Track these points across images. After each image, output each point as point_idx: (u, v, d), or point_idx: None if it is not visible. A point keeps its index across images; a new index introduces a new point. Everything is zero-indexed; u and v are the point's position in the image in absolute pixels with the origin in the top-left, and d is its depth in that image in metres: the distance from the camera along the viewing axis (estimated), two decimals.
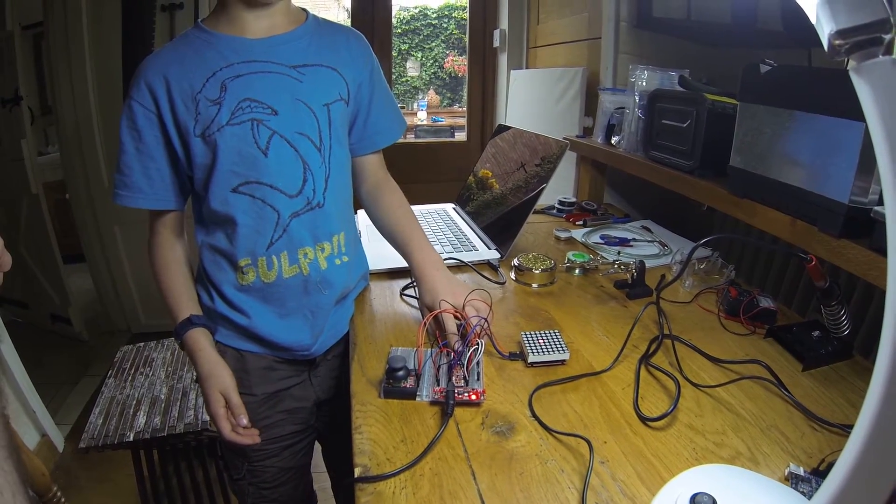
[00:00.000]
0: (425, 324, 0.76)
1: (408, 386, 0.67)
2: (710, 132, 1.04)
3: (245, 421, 0.83)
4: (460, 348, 0.69)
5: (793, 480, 0.53)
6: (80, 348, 2.70)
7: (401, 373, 0.67)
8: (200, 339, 0.85)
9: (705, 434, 0.61)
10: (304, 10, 0.88)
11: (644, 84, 1.30)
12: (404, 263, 0.94)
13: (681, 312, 0.89)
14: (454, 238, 1.24)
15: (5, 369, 1.77)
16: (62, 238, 2.74)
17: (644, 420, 0.63)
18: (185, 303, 0.87)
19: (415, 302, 0.92)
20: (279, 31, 0.82)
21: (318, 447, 1.11)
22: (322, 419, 1.03)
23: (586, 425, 0.62)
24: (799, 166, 0.82)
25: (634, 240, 1.27)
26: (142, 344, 1.64)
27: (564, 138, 1.30)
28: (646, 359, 0.75)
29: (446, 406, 0.62)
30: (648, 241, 1.26)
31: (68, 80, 2.39)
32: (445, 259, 1.08)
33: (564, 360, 0.74)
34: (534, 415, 0.63)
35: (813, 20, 0.34)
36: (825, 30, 0.32)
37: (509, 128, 1.45)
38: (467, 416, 0.63)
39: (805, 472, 0.54)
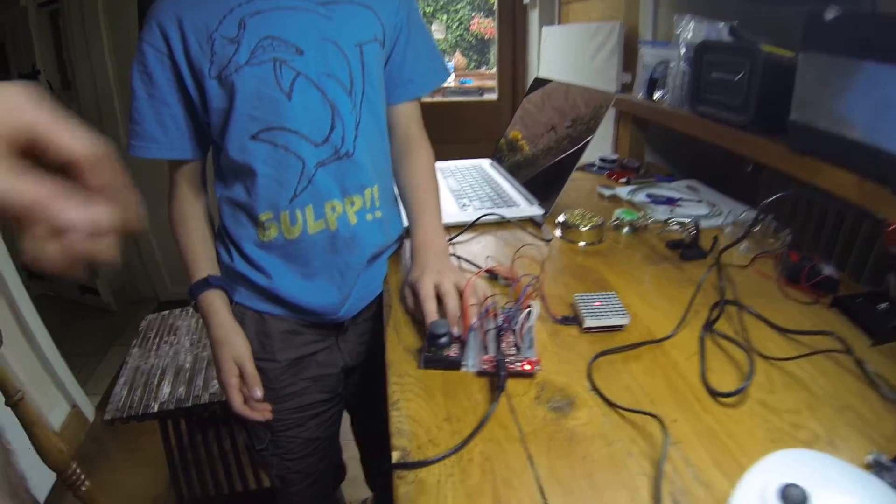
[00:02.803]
0: (469, 283, 0.66)
1: (452, 355, 0.58)
2: (765, 85, 0.95)
3: (259, 394, 0.78)
4: (512, 310, 0.60)
5: (876, 469, 0.45)
6: (109, 318, 2.71)
7: (444, 339, 0.58)
8: (216, 300, 0.79)
9: (780, 413, 0.52)
10: None
11: (690, 35, 1.20)
12: (448, 219, 0.88)
13: (738, 276, 0.79)
14: (493, 193, 1.15)
15: (34, 343, 1.76)
16: None
17: (714, 395, 0.54)
18: (203, 262, 0.81)
19: (455, 261, 0.84)
20: None
21: (346, 417, 1.05)
22: (350, 388, 0.97)
23: (652, 400, 0.54)
24: (870, 121, 0.72)
25: (682, 199, 1.16)
26: (166, 312, 1.61)
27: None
28: (708, 326, 0.66)
29: (497, 378, 0.53)
30: (696, 202, 1.16)
31: (86, 56, 2.39)
32: (485, 215, 1.00)
33: (623, 326, 0.65)
34: (594, 388, 0.55)
35: None
36: None
37: (547, 81, 1.34)
38: (520, 390, 0.55)
39: (887, 459, 0.46)
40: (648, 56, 1.45)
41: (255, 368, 0.78)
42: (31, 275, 2.97)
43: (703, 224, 0.98)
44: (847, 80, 0.76)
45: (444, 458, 0.47)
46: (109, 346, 2.44)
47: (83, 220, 0.27)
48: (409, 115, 0.90)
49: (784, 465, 0.45)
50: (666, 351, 0.62)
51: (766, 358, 0.60)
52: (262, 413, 0.79)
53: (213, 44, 0.70)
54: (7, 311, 1.70)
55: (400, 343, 0.64)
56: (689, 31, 1.20)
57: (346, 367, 0.92)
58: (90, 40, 2.34)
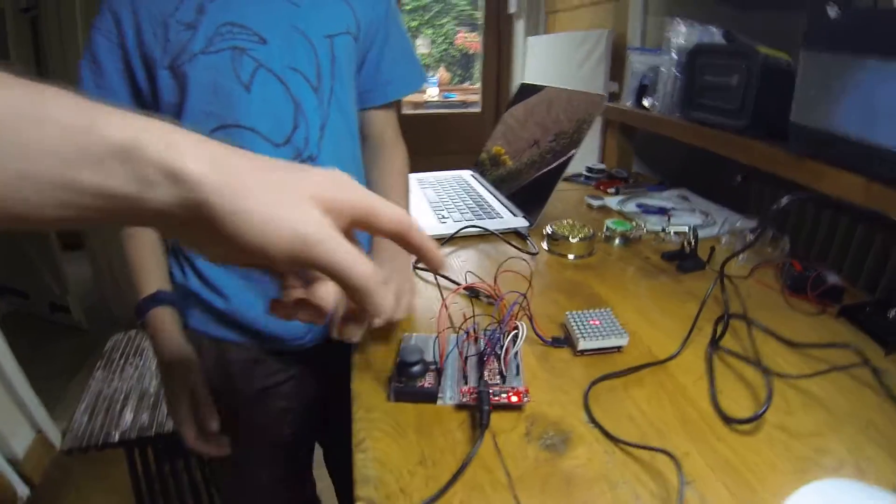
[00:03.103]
0: (445, 305, 0.59)
1: (426, 385, 0.51)
2: (762, 88, 0.92)
3: (215, 426, 0.69)
4: (496, 334, 0.53)
5: None
6: (80, 338, 2.60)
7: (417, 368, 0.51)
8: (165, 319, 0.70)
9: (801, 438, 0.46)
10: None
11: (682, 40, 1.16)
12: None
13: (739, 289, 0.74)
14: (475, 205, 1.08)
15: None
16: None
17: (729, 422, 0.48)
18: (153, 276, 0.72)
19: (432, 277, 0.77)
20: None
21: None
22: (318, 420, 0.89)
23: (659, 431, 0.47)
24: (877, 121, 0.69)
25: (674, 209, 1.11)
26: (133, 332, 1.52)
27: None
28: (715, 343, 0.60)
29: (479, 413, 0.46)
30: (689, 211, 1.11)
31: (62, 63, 2.32)
32: (467, 227, 0.93)
33: (622, 347, 0.59)
34: (592, 420, 0.48)
35: None
36: None
37: (534, 86, 1.30)
38: (506, 425, 0.47)
39: None
40: (637, 63, 1.41)
41: (209, 397, 0.70)
42: (1, 291, 2.85)
43: (699, 234, 0.93)
44: (852, 79, 0.72)
45: None
46: (80, 368, 2.32)
47: (389, 310, 0.34)
48: (384, 120, 0.84)
49: (819, 501, 0.39)
50: (671, 373, 0.56)
51: (779, 376, 0.54)
52: (219, 448, 0.70)
53: (167, 30, 0.64)
54: None
55: (369, 371, 0.56)
56: (681, 35, 1.17)
57: (314, 399, 0.84)
58: (67, 48, 2.28)
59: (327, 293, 0.35)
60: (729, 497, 0.40)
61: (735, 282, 0.74)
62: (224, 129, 0.66)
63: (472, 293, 0.70)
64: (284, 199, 0.28)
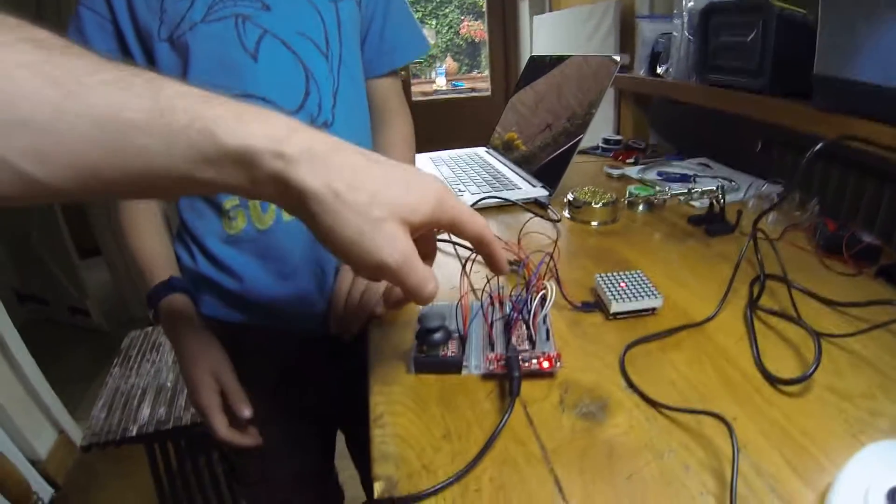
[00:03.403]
0: (471, 261, 0.53)
1: (449, 354, 0.47)
2: (780, 43, 0.87)
3: (248, 412, 0.64)
4: (522, 297, 0.49)
5: None
6: (100, 340, 2.61)
7: (438, 335, 0.46)
8: (182, 306, 0.66)
9: (853, 399, 0.42)
10: None
11: (692, 2, 1.11)
12: None
13: (771, 251, 0.69)
14: (492, 178, 1.04)
15: (17, 369, 1.66)
16: (79, 233, 2.66)
17: (776, 383, 0.44)
18: (162, 263, 0.68)
19: (450, 247, 0.72)
20: None
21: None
22: (340, 405, 0.85)
23: (702, 395, 0.43)
24: None
25: (696, 176, 1.06)
26: (150, 328, 1.51)
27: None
28: (753, 304, 0.56)
29: (509, 380, 0.42)
30: (711, 178, 1.06)
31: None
32: (485, 199, 0.90)
33: (656, 309, 0.54)
34: (631, 385, 0.44)
35: None
36: None
37: (544, 58, 1.25)
38: (538, 394, 0.43)
39: None
40: (648, 31, 1.37)
41: (237, 381, 0.65)
42: (22, 298, 2.88)
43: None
44: (877, 21, 0.67)
45: (442, 488, 0.35)
46: (101, 369, 2.33)
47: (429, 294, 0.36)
48: (388, 88, 0.80)
49: (885, 462, 0.34)
50: (709, 335, 0.51)
51: (823, 336, 0.50)
52: (254, 437, 0.66)
53: (163, 0, 0.60)
54: None
55: (387, 344, 0.53)
56: None
57: (336, 383, 0.80)
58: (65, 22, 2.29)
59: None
60: (783, 462, 0.36)
61: (766, 244, 0.70)
62: None
63: None
64: (376, 224, 0.32)
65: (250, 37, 0.61)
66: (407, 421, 0.42)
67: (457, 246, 0.71)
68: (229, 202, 0.65)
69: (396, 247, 0.33)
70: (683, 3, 1.14)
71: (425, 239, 0.41)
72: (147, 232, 0.69)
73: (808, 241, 0.73)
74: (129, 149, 0.28)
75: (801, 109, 0.81)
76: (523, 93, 1.28)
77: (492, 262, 0.41)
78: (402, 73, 0.86)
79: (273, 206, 0.65)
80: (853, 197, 0.86)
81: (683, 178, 1.05)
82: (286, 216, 0.66)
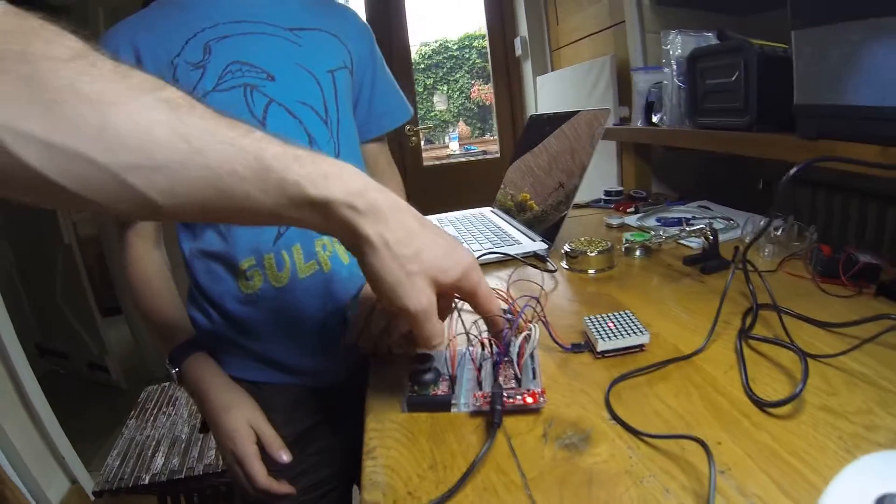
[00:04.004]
0: (456, 307, 0.54)
1: (440, 393, 0.49)
2: (762, 80, 0.91)
3: (287, 457, 0.65)
4: (507, 339, 0.52)
5: None
6: (118, 397, 2.64)
7: (429, 375, 0.50)
8: (207, 361, 0.68)
9: (849, 416, 0.43)
10: None
11: (679, 50, 1.18)
12: None
13: (767, 281, 0.71)
14: (494, 236, 1.09)
15: (36, 418, 1.70)
16: (102, 291, 2.77)
17: (764, 406, 0.45)
18: (181, 325, 0.70)
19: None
20: None
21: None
22: (357, 460, 0.85)
23: (688, 424, 0.44)
24: (880, 82, 0.67)
25: (694, 218, 1.09)
26: (167, 384, 1.54)
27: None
28: (745, 333, 0.57)
29: (492, 415, 0.44)
30: (710, 219, 1.08)
31: None
32: (486, 255, 0.93)
33: (643, 345, 0.56)
34: (614, 416, 0.46)
35: None
36: None
37: (542, 116, 1.31)
38: (523, 427, 0.45)
39: None
40: (642, 82, 1.43)
41: (273, 430, 0.66)
42: (42, 351, 2.95)
43: (721, 237, 0.91)
44: (848, 46, 0.70)
45: None
46: (117, 425, 2.35)
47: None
48: (378, 152, 0.86)
49: (876, 471, 0.35)
50: (698, 367, 0.53)
51: (816, 358, 0.51)
52: (288, 486, 0.67)
53: (175, 70, 0.65)
54: (10, 386, 1.66)
55: (383, 386, 0.56)
56: (678, 46, 1.18)
57: (352, 434, 0.81)
58: None
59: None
60: (770, 482, 0.37)
61: (763, 274, 0.71)
62: None
63: None
64: (410, 276, 0.41)
65: (258, 105, 0.67)
66: (397, 453, 0.44)
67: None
68: (246, 262, 0.68)
69: (421, 299, 0.41)
70: (671, 52, 1.20)
71: (446, 299, 0.47)
72: (161, 294, 0.72)
73: (806, 268, 0.75)
74: (237, 194, 0.36)
75: (787, 140, 0.84)
76: (537, 155, 1.32)
77: (494, 332, 0.50)
78: (413, 139, 0.92)
79: (288, 264, 0.69)
80: (850, 220, 0.87)
81: (680, 222, 1.06)
82: (301, 273, 0.69)
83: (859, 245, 0.83)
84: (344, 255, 0.72)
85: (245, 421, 0.65)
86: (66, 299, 2.79)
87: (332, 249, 0.71)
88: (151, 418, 1.34)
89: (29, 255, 2.89)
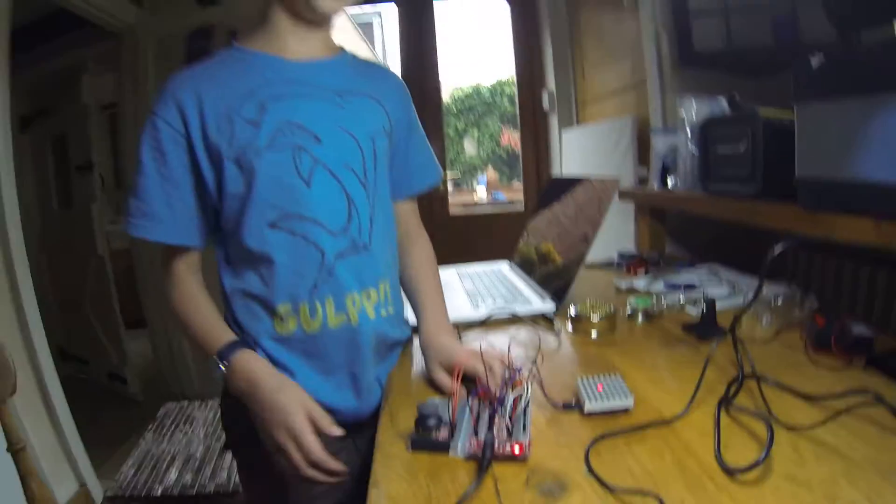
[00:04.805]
0: (458, 374, 0.64)
1: (440, 438, 0.57)
2: (769, 150, 0.94)
3: (338, 430, 0.69)
4: (502, 394, 0.59)
5: None
6: (133, 408, 2.70)
7: (432, 421, 0.57)
8: (256, 356, 0.72)
9: (811, 486, 0.47)
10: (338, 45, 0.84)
11: (693, 116, 1.23)
12: (460, 317, 0.92)
13: (761, 351, 0.76)
14: (507, 293, 1.15)
15: (54, 417, 1.77)
16: (128, 304, 2.85)
17: (729, 472, 0.49)
18: (224, 329, 0.75)
19: None
20: (320, 57, 0.78)
21: None
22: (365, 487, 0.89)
23: (656, 482, 0.49)
24: (876, 157, 0.70)
25: (701, 283, 1.14)
26: (185, 402, 1.61)
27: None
28: (725, 402, 0.61)
29: (482, 460, 0.51)
30: (717, 284, 1.13)
31: (135, 157, 2.54)
32: (497, 312, 1.00)
33: (628, 408, 0.62)
34: (590, 470, 0.51)
35: None
36: None
37: (562, 179, 1.37)
38: (509, 474, 0.52)
39: None
40: (660, 144, 1.48)
41: (322, 410, 0.70)
42: (65, 355, 3.05)
43: (724, 304, 0.95)
44: (846, 122, 0.74)
45: None
46: (130, 435, 2.40)
47: None
48: (409, 211, 0.92)
49: None
50: (676, 431, 0.58)
51: (791, 429, 0.55)
52: (340, 463, 0.69)
53: (232, 125, 0.70)
54: (34, 386, 1.73)
55: (393, 427, 0.63)
56: (692, 111, 1.22)
57: (362, 467, 0.85)
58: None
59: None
60: None
61: (757, 345, 0.75)
62: (288, 219, 0.72)
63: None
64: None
65: (305, 166, 0.72)
66: (398, 486, 0.51)
67: None
68: (283, 307, 0.73)
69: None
70: (685, 117, 1.24)
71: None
72: (206, 305, 0.77)
73: (801, 338, 0.78)
74: None
75: (790, 211, 0.87)
76: (565, 205, 1.33)
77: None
78: (440, 187, 0.99)
79: (320, 314, 0.74)
80: (854, 285, 0.89)
81: (688, 287, 1.11)
82: (331, 323, 0.74)
83: (858, 309, 0.85)
84: (371, 312, 0.77)
85: (297, 399, 0.69)
86: (93, 308, 2.90)
87: (360, 305, 0.76)
88: (169, 434, 1.41)
89: (62, 263, 3.04)
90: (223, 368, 0.71)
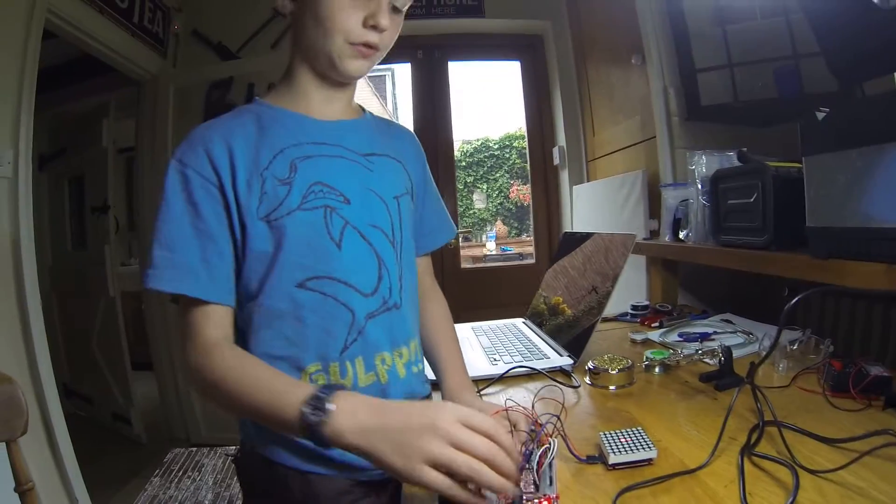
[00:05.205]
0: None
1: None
2: (779, 201, 0.97)
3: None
4: (528, 449, 0.59)
5: None
6: (137, 451, 2.66)
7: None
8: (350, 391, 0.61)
9: None
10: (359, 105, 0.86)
11: (704, 170, 1.26)
12: (478, 373, 0.94)
13: (779, 398, 0.76)
14: (524, 348, 1.16)
15: (57, 455, 1.73)
16: (135, 345, 2.84)
17: None
18: (294, 381, 0.66)
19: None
20: (344, 118, 0.79)
21: None
22: None
23: None
24: (884, 204, 0.72)
25: (715, 332, 1.15)
26: (194, 448, 1.59)
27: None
28: (748, 449, 0.62)
29: None
30: (731, 333, 1.14)
31: (152, 199, 2.58)
32: (515, 368, 1.00)
33: (652, 459, 0.62)
34: None
35: None
36: None
37: (575, 234, 1.39)
38: None
39: None
40: (671, 198, 1.50)
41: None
42: (69, 393, 3.03)
43: (740, 352, 0.97)
44: (853, 172, 0.76)
45: None
46: (132, 478, 2.35)
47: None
48: (425, 267, 0.92)
49: None
50: (701, 481, 0.59)
51: (814, 473, 0.56)
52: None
53: (263, 182, 0.69)
54: (39, 422, 1.71)
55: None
56: (703, 166, 1.25)
57: None
58: (158, 184, 2.61)
59: None
60: None
61: (774, 391, 0.75)
62: (318, 280, 0.70)
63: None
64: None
65: (336, 227, 0.71)
66: None
67: None
68: (313, 367, 0.71)
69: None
70: (696, 171, 1.27)
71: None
72: (259, 361, 0.67)
73: (819, 382, 0.78)
74: None
75: (801, 260, 0.88)
76: (573, 257, 1.35)
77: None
78: (452, 241, 0.99)
79: (350, 373, 0.71)
80: (861, 328, 0.90)
81: (703, 337, 1.12)
82: (361, 382, 0.73)
83: (873, 348, 0.84)
84: (402, 370, 0.77)
85: (452, 415, 0.56)
86: (101, 347, 2.90)
87: (390, 363, 0.75)
88: (176, 480, 1.39)
89: (73, 301, 3.05)
90: (325, 415, 0.57)
